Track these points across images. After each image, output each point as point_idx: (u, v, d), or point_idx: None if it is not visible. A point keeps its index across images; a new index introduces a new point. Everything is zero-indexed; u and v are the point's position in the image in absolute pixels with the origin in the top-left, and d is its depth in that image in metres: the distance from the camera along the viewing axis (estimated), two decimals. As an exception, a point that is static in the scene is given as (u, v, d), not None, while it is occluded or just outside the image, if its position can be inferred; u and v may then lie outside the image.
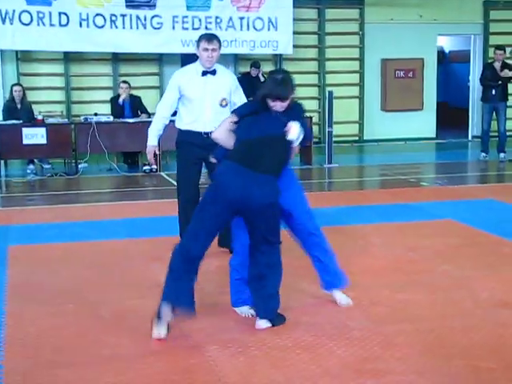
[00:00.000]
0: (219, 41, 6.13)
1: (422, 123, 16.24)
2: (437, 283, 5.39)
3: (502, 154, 12.63)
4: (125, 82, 12.43)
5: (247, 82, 13.51)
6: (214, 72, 6.15)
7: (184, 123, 6.22)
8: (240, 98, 6.27)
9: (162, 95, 14.38)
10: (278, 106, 4.56)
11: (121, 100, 12.12)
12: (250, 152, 4.43)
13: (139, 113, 12.14)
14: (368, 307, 4.87)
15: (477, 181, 11.49)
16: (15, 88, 11.98)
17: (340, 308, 4.85)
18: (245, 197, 4.28)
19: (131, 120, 11.81)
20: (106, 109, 12.61)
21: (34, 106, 12.19)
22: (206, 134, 5.96)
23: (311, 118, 12.75)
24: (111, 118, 11.84)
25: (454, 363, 3.91)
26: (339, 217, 7.89)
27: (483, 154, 12.85)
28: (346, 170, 11.94)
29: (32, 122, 11.49)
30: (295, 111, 4.68)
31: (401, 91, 15.91)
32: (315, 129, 14.54)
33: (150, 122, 11.46)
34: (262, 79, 13.64)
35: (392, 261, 6.07)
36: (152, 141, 6.35)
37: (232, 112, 4.86)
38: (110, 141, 11.51)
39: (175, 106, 6.25)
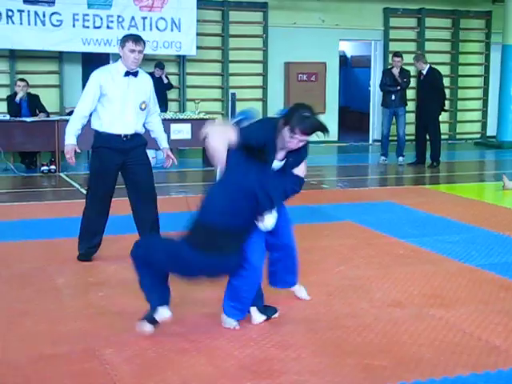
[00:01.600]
0: (145, 42, 6.02)
1: (325, 126, 16.44)
2: (333, 284, 5.50)
3: (400, 158, 12.99)
4: (22, 79, 12.12)
5: (150, 83, 13.51)
6: (136, 74, 6.01)
7: (102, 124, 5.97)
8: (155, 103, 6.24)
9: (61, 94, 14.43)
10: (295, 142, 4.45)
11: (18, 98, 11.82)
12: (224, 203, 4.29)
13: (37, 112, 11.90)
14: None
15: (376, 183, 11.75)
16: None
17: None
18: None
19: (29, 119, 11.55)
20: (2, 107, 12.31)
21: None
22: (126, 136, 5.95)
23: (214, 119, 12.74)
24: (7, 117, 11.58)
25: (347, 362, 4.01)
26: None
27: (382, 158, 13.18)
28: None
29: None
30: (299, 155, 4.66)
31: (303, 94, 16.01)
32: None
33: (49, 121, 11.56)
34: (166, 81, 13.62)
35: (291, 262, 6.14)
36: (71, 140, 5.99)
37: (239, 130, 4.48)
38: (6, 140, 11.25)
39: (95, 105, 5.95)
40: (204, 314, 4.78)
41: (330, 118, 16.45)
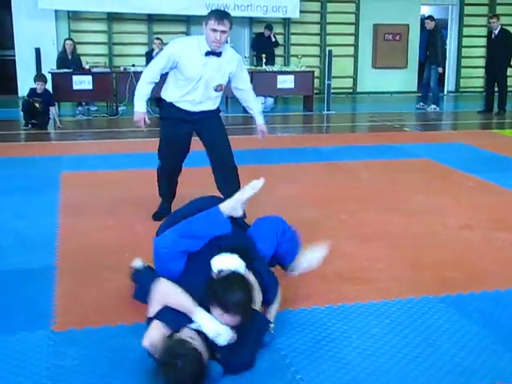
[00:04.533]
0: (231, 21, 4.48)
1: (406, 79, 16.06)
2: (412, 209, 5.40)
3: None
4: (158, 38, 12.26)
5: (260, 41, 13.39)
6: (219, 54, 4.58)
7: (171, 96, 4.77)
8: (242, 80, 4.86)
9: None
10: (228, 321, 2.78)
11: (154, 54, 11.93)
12: None
13: (170, 65, 12.00)
14: (356, 227, 4.89)
15: (449, 127, 11.39)
16: (67, 42, 11.85)
17: (333, 227, 4.87)
18: None
19: (163, 71, 11.70)
20: (143, 61, 12.48)
21: (82, 58, 12.05)
22: (194, 112, 4.78)
23: (313, 72, 12.62)
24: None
25: (424, 273, 3.96)
26: (335, 154, 7.88)
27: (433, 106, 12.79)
28: (341, 117, 11.84)
29: (80, 70, 11.42)
30: (254, 330, 2.90)
31: (389, 52, 15.71)
32: (316, 82, 14.34)
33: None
34: (274, 39, 13.46)
35: (376, 190, 6.06)
36: (140, 107, 4.75)
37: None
38: (145, 88, 11.41)
39: (161, 73, 4.72)
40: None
41: (411, 72, 16.05)
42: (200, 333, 2.74)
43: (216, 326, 2.77)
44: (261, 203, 5.32)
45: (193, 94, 4.69)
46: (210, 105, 4.83)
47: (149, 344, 2.76)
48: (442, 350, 3.01)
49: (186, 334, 2.71)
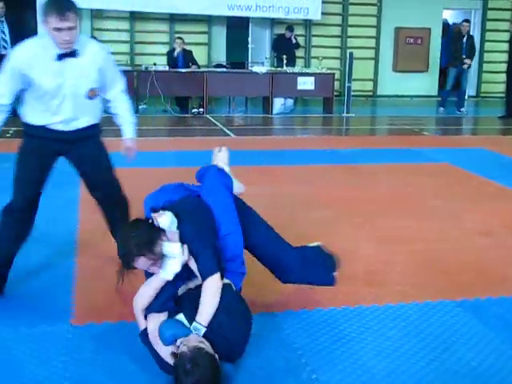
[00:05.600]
0: (76, 11, 3.26)
1: (426, 83, 16.00)
2: (430, 214, 5.38)
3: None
4: (179, 38, 12.37)
5: (281, 42, 13.40)
6: (74, 53, 3.37)
7: (34, 117, 3.50)
8: (114, 79, 3.66)
9: (209, 50, 14.63)
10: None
11: (175, 53, 12.04)
12: None
13: (190, 64, 12.06)
14: (373, 230, 4.89)
15: (469, 132, 11.34)
16: (89, 40, 11.91)
17: (348, 230, 4.87)
18: None
19: (183, 70, 11.76)
20: (163, 60, 12.55)
21: (104, 56, 12.14)
22: (67, 132, 3.54)
23: (334, 74, 12.60)
24: (167, 68, 11.81)
25: (441, 278, 3.95)
26: (353, 157, 7.88)
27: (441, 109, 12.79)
28: (360, 119, 11.82)
29: (102, 68, 11.49)
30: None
31: (410, 55, 15.67)
32: (337, 84, 14.33)
33: (199, 72, 11.72)
34: (294, 41, 13.46)
35: (394, 193, 6.06)
36: None
37: None
38: (165, 86, 11.47)
39: (15, 92, 3.42)
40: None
41: (432, 76, 16.00)
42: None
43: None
44: (278, 204, 5.35)
45: (62, 111, 3.47)
46: (89, 119, 3.60)
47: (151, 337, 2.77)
48: (458, 354, 3.00)
49: (194, 340, 2.66)
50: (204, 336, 2.70)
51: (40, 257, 4.13)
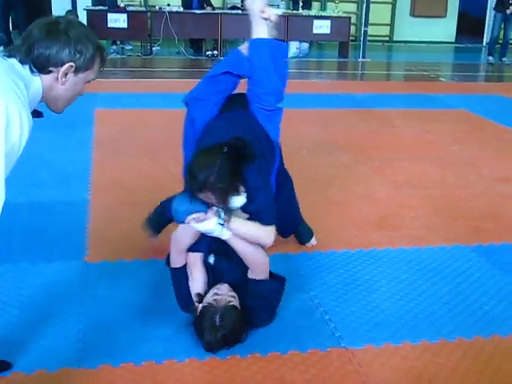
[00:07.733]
0: None
1: (444, 29, 15.67)
2: (447, 159, 5.32)
3: (504, 58, 12.22)
4: (194, -22, 12.09)
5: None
6: None
7: None
8: None
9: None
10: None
11: (191, -5, 11.81)
12: None
13: (205, 5, 11.82)
14: (390, 175, 4.84)
15: (487, 79, 11.13)
16: (102, -21, 11.68)
17: (365, 173, 4.83)
18: None
19: (198, 11, 11.53)
20: (178, 1, 12.31)
21: (117, -4, 11.96)
22: None
23: (350, 18, 12.33)
24: (181, 9, 11.59)
25: (457, 223, 3.92)
26: (369, 102, 7.76)
27: (490, 57, 12.40)
28: (376, 64, 11.62)
29: (115, 8, 11.32)
30: None
31: (428, 0, 15.29)
32: (353, 28, 14.03)
33: (214, 13, 11.49)
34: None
35: (411, 139, 5.98)
36: None
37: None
38: (179, 28, 11.27)
39: None
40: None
41: (450, 21, 15.66)
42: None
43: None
44: (294, 148, 5.29)
45: None
46: None
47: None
48: (471, 299, 2.99)
49: (225, 291, 2.58)
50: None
51: (55, 194, 4.15)
